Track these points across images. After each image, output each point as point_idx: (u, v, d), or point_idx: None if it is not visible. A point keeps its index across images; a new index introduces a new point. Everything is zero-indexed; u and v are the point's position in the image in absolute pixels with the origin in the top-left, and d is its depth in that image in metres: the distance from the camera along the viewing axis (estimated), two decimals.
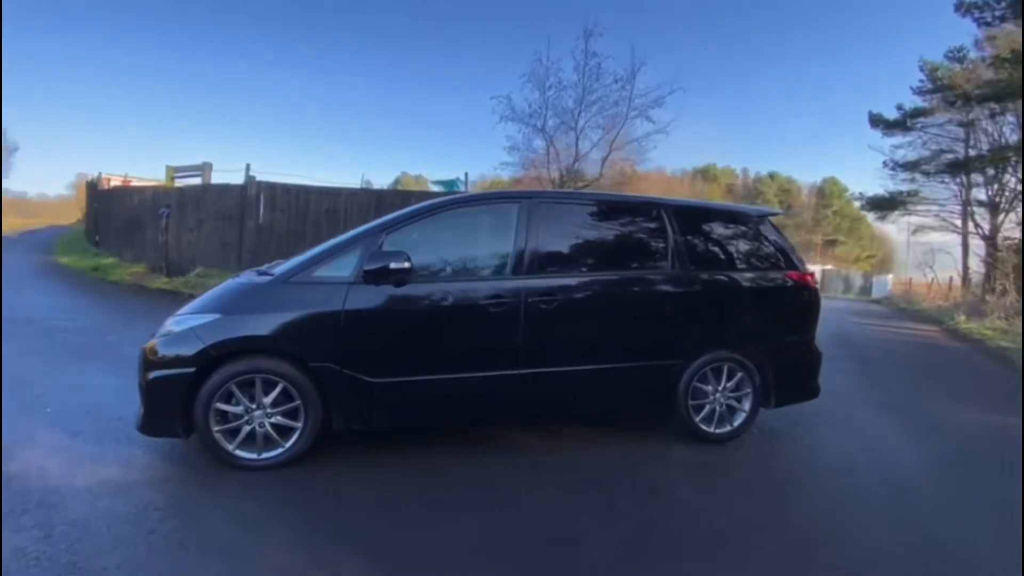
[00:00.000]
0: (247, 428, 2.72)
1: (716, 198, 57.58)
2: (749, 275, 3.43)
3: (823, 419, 4.01)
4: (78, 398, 3.71)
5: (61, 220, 25.33)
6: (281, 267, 2.92)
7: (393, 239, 2.90)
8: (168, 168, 11.72)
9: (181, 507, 2.39)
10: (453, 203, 3.09)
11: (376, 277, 2.76)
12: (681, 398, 3.24)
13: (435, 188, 11.21)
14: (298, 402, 2.74)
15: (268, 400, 2.72)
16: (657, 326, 3.20)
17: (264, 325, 2.70)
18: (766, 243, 3.52)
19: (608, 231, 3.28)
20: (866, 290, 38.86)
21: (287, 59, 66.40)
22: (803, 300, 3.54)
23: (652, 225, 3.30)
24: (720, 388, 3.33)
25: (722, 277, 3.36)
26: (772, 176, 69.77)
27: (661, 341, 3.20)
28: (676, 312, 3.22)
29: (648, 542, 2.26)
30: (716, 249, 3.42)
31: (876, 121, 21.32)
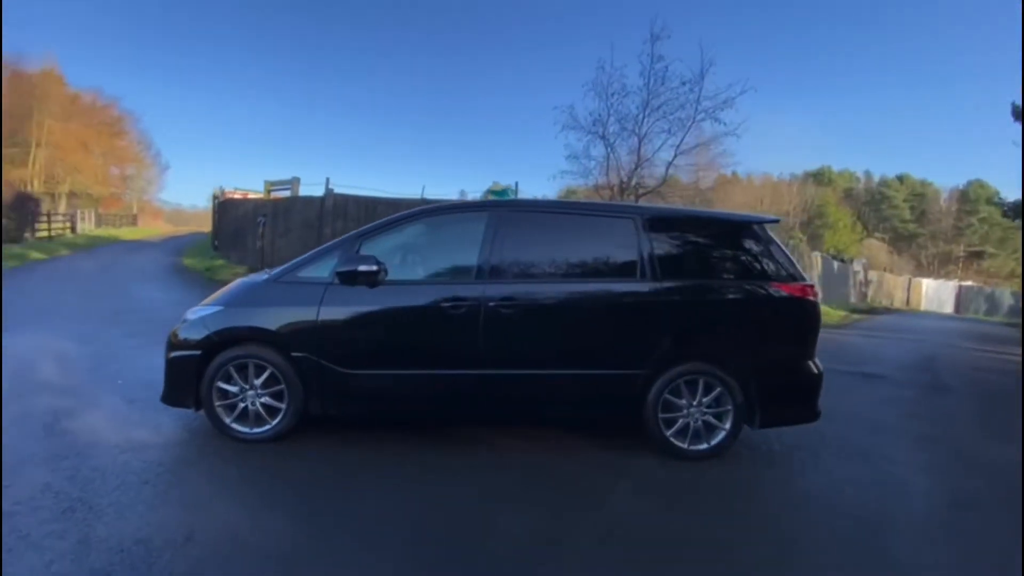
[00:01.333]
0: (242, 405, 3.16)
1: (831, 203, 52.50)
2: (730, 285, 3.26)
3: (836, 446, 3.66)
4: (148, 374, 4.45)
5: (205, 228, 29.51)
6: (277, 268, 3.35)
7: (369, 245, 3.20)
8: (266, 183, 13.40)
9: (179, 466, 2.86)
10: (425, 212, 3.34)
11: (347, 278, 3.07)
12: (650, 410, 3.17)
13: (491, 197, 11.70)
14: (283, 386, 3.13)
15: (259, 382, 3.14)
16: (620, 335, 3.17)
17: (256, 317, 3.13)
18: (755, 252, 3.32)
19: (576, 239, 3.30)
20: (1017, 311, 32.95)
21: (389, 81, 72.37)
22: (796, 314, 3.29)
23: (622, 233, 3.26)
24: (695, 402, 3.20)
25: (697, 287, 3.22)
26: (901, 179, 62.19)
27: (624, 350, 3.16)
28: (642, 322, 3.17)
29: (556, 540, 2.31)
30: (693, 258, 3.30)
31: (1020, 114, 18.19)
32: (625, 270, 3.23)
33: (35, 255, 12.99)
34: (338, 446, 3.18)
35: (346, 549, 2.20)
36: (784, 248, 3.41)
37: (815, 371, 3.30)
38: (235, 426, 3.16)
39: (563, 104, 11.94)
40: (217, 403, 3.14)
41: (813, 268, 20.76)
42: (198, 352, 3.12)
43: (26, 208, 14.50)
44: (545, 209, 3.45)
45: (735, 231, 3.37)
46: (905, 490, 3.05)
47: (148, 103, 66.24)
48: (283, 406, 3.15)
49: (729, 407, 3.21)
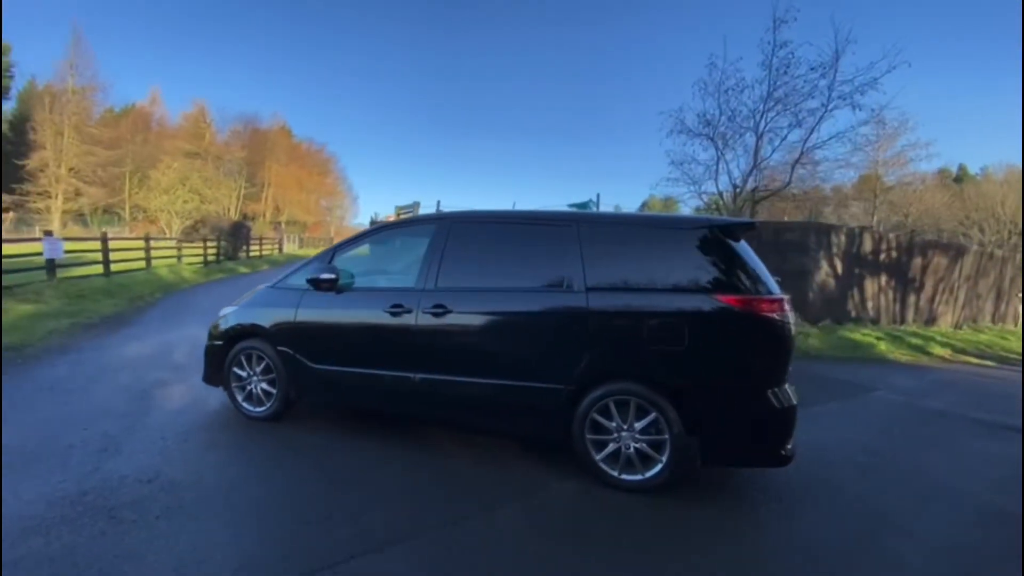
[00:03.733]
0: (248, 388, 3.89)
1: None
2: (671, 298, 2.92)
3: (840, 502, 2.97)
4: None
5: None
6: (279, 276, 4.05)
7: (340, 257, 3.71)
8: (396, 207, 15.41)
9: (193, 429, 3.67)
10: (386, 227, 3.72)
11: (315, 285, 3.59)
12: (577, 428, 3.03)
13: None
14: (274, 374, 3.78)
15: (259, 370, 3.85)
16: (545, 347, 3.09)
17: (256, 317, 3.85)
18: (708, 262, 2.93)
19: (515, 249, 3.31)
20: None
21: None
22: (752, 333, 2.81)
23: (559, 243, 3.16)
24: (626, 426, 2.96)
25: (629, 299, 2.98)
26: None
27: (548, 363, 3.07)
28: (566, 334, 3.04)
29: (395, 540, 2.43)
30: (631, 268, 3.02)
31: None
32: (554, 281, 3.15)
33: (242, 269, 16.92)
34: (312, 430, 3.70)
35: (232, 507, 2.66)
36: (751, 257, 2.96)
37: (777, 404, 2.77)
38: (244, 404, 3.91)
39: (670, 109, 11.21)
40: (233, 384, 3.93)
41: None
42: (221, 343, 3.96)
43: (240, 233, 19.13)
44: (490, 220, 3.51)
45: (685, 238, 3.01)
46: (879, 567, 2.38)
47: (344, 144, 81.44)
48: (275, 391, 3.79)
49: (666, 436, 2.88)
